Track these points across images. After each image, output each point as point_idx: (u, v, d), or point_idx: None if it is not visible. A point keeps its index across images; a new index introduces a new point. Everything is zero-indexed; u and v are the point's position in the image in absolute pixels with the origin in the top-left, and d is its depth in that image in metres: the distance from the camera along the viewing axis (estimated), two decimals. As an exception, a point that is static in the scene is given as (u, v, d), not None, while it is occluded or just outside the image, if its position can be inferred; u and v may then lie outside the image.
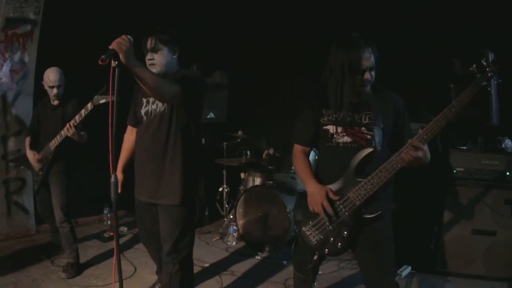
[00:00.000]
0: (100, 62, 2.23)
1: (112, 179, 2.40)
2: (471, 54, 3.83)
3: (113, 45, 2.32)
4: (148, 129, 3.16)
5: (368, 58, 2.59)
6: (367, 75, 2.61)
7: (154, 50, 3.06)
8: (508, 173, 4.32)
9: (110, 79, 2.25)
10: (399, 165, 2.55)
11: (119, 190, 2.76)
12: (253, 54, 6.53)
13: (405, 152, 2.51)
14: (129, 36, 2.41)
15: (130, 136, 3.49)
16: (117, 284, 2.46)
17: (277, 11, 6.17)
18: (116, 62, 2.30)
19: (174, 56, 3.18)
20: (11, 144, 5.37)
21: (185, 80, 2.96)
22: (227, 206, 6.22)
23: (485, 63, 2.50)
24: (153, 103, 3.14)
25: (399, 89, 2.88)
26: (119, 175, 3.09)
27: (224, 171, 6.19)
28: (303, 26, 5.94)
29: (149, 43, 3.06)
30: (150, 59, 3.07)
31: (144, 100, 3.19)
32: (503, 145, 4.44)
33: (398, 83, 3.52)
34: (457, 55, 4.25)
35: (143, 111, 3.19)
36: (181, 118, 3.10)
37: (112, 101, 2.22)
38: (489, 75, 2.49)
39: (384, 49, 2.76)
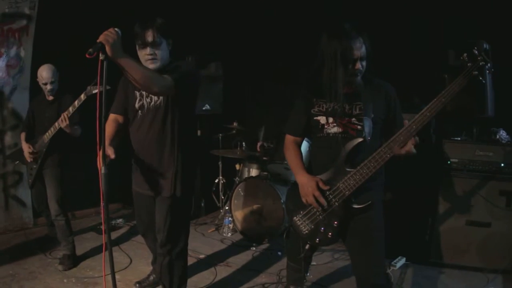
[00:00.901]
0: (87, 56, 2.23)
1: (102, 171, 2.40)
2: (465, 44, 3.83)
3: (100, 38, 2.31)
4: (143, 122, 3.15)
5: (359, 48, 2.59)
6: (358, 65, 2.61)
7: (156, 44, 2.99)
8: (502, 164, 4.31)
9: (98, 72, 2.26)
10: (388, 155, 2.56)
11: (113, 156, 2.72)
12: (249, 45, 6.52)
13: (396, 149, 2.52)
14: (116, 29, 2.40)
15: (112, 123, 3.34)
16: (109, 277, 2.47)
17: (273, 2, 6.17)
18: (104, 55, 2.30)
19: (169, 49, 3.13)
20: (8, 138, 5.39)
21: (178, 71, 2.94)
22: (223, 197, 6.25)
23: (476, 52, 2.48)
24: (147, 97, 3.11)
25: (392, 78, 2.89)
26: (108, 148, 2.98)
27: (220, 163, 6.20)
28: (300, 16, 5.92)
29: (150, 37, 2.96)
30: (151, 54, 2.98)
31: (137, 94, 3.16)
32: (498, 136, 4.43)
33: (392, 72, 3.53)
34: (452, 44, 4.24)
35: (137, 105, 3.16)
36: (176, 110, 3.08)
37: (101, 94, 2.23)
38: (480, 64, 2.46)
39: (379, 38, 2.76)
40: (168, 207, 3.15)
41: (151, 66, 2.98)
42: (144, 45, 2.99)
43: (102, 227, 2.55)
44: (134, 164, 3.33)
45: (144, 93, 3.12)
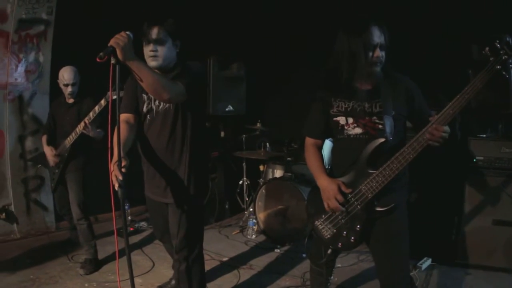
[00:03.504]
0: (98, 59, 2.22)
1: (119, 181, 2.50)
2: (488, 38, 3.74)
3: (111, 42, 2.31)
4: (152, 127, 3.09)
5: (379, 36, 2.53)
6: (378, 52, 2.53)
7: (159, 42, 2.92)
8: (529, 162, 4.20)
9: (110, 75, 2.23)
10: (411, 156, 2.48)
11: (123, 170, 2.66)
12: (271, 45, 6.49)
13: (430, 132, 2.41)
14: (128, 32, 2.39)
15: (125, 125, 3.08)
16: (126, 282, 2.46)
17: (294, 2, 6.11)
18: (115, 59, 2.29)
19: (176, 51, 3.07)
20: (29, 143, 5.42)
21: (187, 76, 2.90)
22: (247, 199, 6.20)
23: (499, 45, 2.39)
24: (155, 100, 3.04)
25: (416, 75, 2.82)
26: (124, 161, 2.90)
27: (244, 164, 6.16)
28: (323, 13, 5.86)
29: (154, 34, 2.91)
30: (153, 51, 2.92)
31: (145, 97, 3.09)
32: (524, 133, 4.32)
33: (415, 68, 3.46)
34: (476, 40, 4.14)
35: (145, 109, 3.10)
36: (186, 113, 3.03)
37: (113, 99, 2.21)
38: (503, 58, 2.38)
39: (402, 35, 2.69)
40: (181, 213, 3.11)
41: (152, 63, 2.92)
42: (148, 41, 2.94)
43: (115, 233, 2.53)
44: (145, 169, 3.28)
45: (152, 96, 3.05)
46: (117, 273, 2.64)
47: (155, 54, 2.93)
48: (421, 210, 4.36)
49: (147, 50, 2.95)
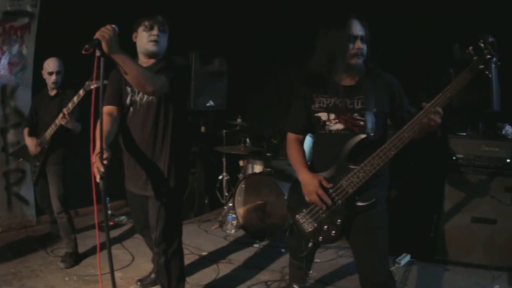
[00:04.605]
0: (83, 52, 2.25)
1: (100, 174, 2.54)
2: (470, 37, 3.78)
3: (97, 34, 2.33)
4: (135, 119, 3.09)
5: (360, 29, 2.57)
6: (358, 44, 2.56)
7: (163, 29, 3.04)
8: (508, 160, 4.25)
9: (95, 68, 2.24)
10: (392, 152, 2.51)
11: (105, 162, 2.66)
12: (253, 41, 6.52)
13: (428, 117, 2.43)
14: (113, 25, 2.41)
15: (107, 117, 3.09)
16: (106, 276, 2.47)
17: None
18: (100, 51, 2.31)
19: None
20: (11, 136, 5.35)
21: (171, 69, 2.92)
22: (227, 194, 6.20)
23: (482, 45, 2.43)
24: (139, 93, 3.05)
25: (397, 71, 2.84)
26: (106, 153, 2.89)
27: (224, 159, 6.16)
28: (304, 12, 5.87)
29: (160, 21, 3.02)
30: (157, 35, 3.01)
31: (129, 89, 3.09)
32: (504, 132, 4.37)
33: (397, 66, 3.49)
34: (458, 38, 4.19)
35: (128, 101, 3.10)
36: (169, 107, 3.04)
37: (98, 91, 2.22)
38: (487, 57, 2.42)
39: (385, 33, 2.72)
40: (160, 206, 3.11)
41: (152, 48, 2.99)
42: (151, 26, 3.00)
43: (96, 227, 2.53)
44: (126, 162, 3.27)
45: (135, 88, 3.05)
46: (98, 266, 2.64)
47: (157, 39, 3.00)
48: (401, 207, 4.39)
49: (149, 34, 3.00)
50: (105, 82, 2.25)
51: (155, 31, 2.99)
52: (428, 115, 2.41)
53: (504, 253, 4.25)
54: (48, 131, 4.19)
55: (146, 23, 3.00)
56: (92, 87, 3.73)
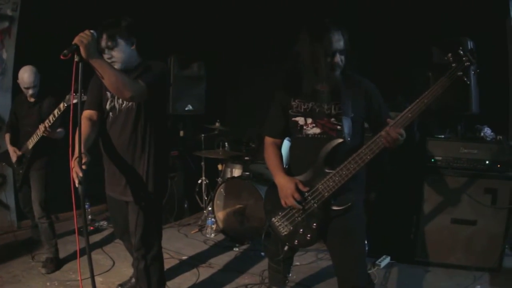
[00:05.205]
0: (62, 57, 2.25)
1: (80, 179, 2.55)
2: (449, 42, 3.80)
3: (75, 40, 2.32)
4: (114, 124, 3.09)
5: (338, 41, 2.56)
6: (337, 58, 2.57)
7: (110, 47, 2.91)
8: (487, 162, 4.27)
9: (73, 73, 2.24)
10: (368, 157, 2.52)
11: (84, 167, 2.64)
12: (232, 45, 6.55)
13: (386, 130, 2.45)
14: (92, 31, 2.41)
15: (87, 121, 3.10)
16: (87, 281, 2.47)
17: (256, 2, 6.16)
18: (79, 57, 2.31)
19: (132, 48, 3.04)
20: (-9, 140, 5.30)
21: (149, 75, 2.90)
22: (206, 198, 6.20)
23: (461, 52, 2.45)
24: (118, 98, 3.04)
25: (375, 75, 2.88)
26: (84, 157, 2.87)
27: (203, 163, 6.17)
28: (282, 16, 5.90)
29: (104, 42, 2.90)
30: (109, 58, 2.92)
31: (109, 94, 3.08)
32: (482, 134, 4.39)
33: (375, 69, 3.50)
34: (437, 42, 4.21)
35: (108, 106, 3.10)
36: (148, 112, 3.03)
37: (76, 96, 2.22)
38: (465, 64, 2.44)
39: (362, 35, 2.73)
40: (139, 211, 3.11)
41: (116, 67, 2.91)
42: (103, 50, 2.93)
43: (76, 232, 2.53)
44: (106, 167, 3.26)
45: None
46: (79, 271, 2.63)
47: (112, 60, 2.94)
48: (381, 209, 4.39)
49: (105, 57, 2.92)
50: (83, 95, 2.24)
51: (106, 55, 2.93)
52: (386, 129, 2.45)
53: (484, 254, 4.27)
54: (30, 141, 4.18)
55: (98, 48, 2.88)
56: (73, 101, 3.67)
